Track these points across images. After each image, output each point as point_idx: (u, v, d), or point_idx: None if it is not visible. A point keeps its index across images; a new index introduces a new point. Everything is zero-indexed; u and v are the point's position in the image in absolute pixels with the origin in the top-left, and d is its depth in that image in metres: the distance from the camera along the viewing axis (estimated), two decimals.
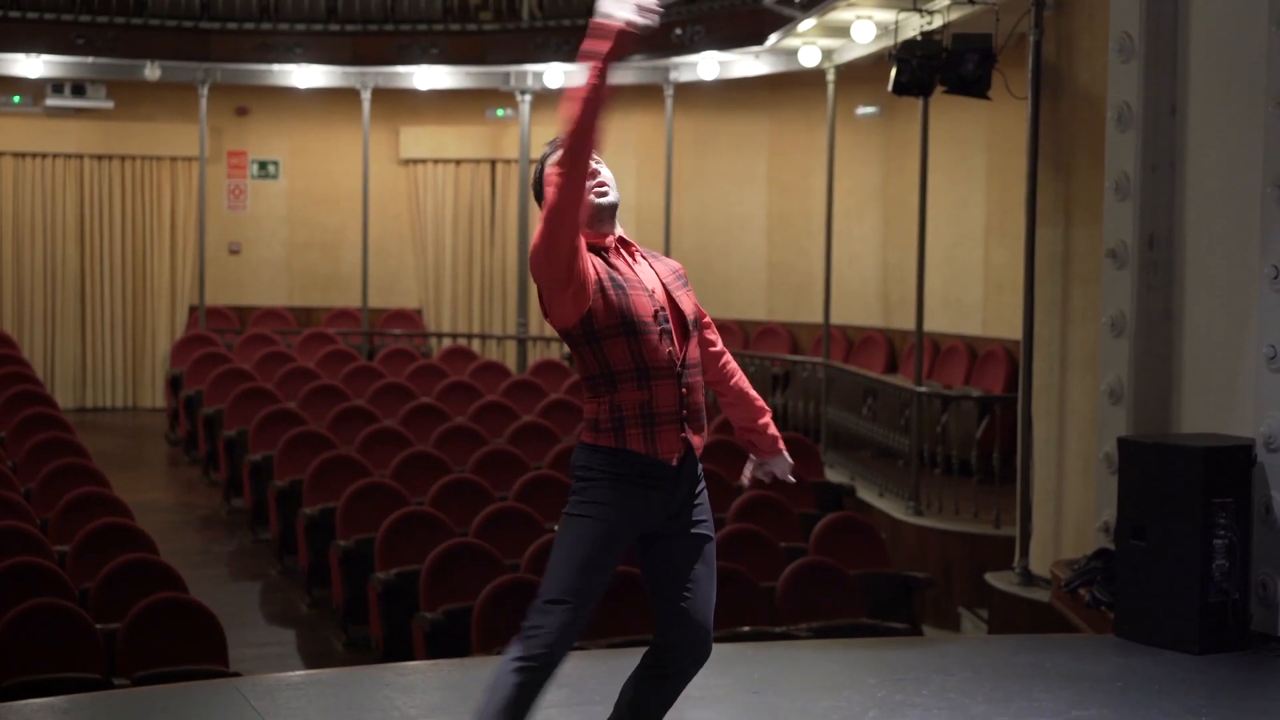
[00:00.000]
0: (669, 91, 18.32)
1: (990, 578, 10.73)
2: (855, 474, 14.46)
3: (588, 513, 4.62)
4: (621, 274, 4.67)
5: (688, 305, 4.77)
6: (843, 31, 15.01)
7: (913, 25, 12.87)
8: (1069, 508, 10.17)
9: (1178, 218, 8.64)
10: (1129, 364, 8.78)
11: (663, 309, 4.67)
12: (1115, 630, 7.91)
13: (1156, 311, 8.71)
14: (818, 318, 17.17)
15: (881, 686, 6.98)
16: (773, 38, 16.15)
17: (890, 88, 12.33)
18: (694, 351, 4.73)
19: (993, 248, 16.23)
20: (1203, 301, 8.44)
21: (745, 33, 16.88)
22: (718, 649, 8.03)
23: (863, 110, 18.11)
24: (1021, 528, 10.57)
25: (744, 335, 19.51)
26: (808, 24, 15.10)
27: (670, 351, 4.64)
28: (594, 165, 4.70)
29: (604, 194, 4.77)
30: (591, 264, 4.61)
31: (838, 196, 16.67)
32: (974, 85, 11.47)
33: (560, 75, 18.56)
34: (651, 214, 19.34)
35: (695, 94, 18.85)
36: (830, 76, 16.46)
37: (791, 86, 18.31)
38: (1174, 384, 8.61)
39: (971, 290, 16.68)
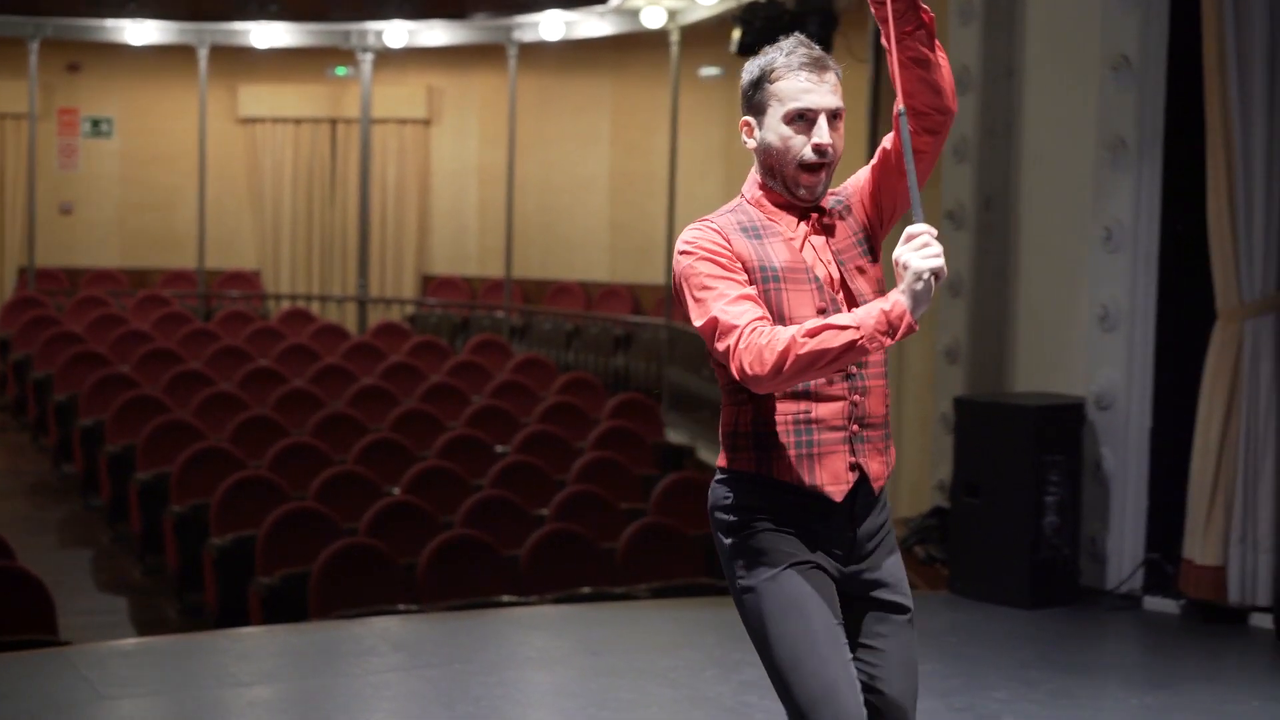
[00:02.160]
0: (512, 51, 18.18)
1: None
2: (696, 435, 14.50)
3: (755, 581, 3.42)
4: (784, 260, 3.45)
5: (864, 283, 3.51)
6: None
7: None
8: (906, 466, 10.27)
9: (1014, 180, 8.73)
10: (965, 324, 8.88)
11: (832, 300, 3.45)
12: (949, 587, 8.01)
13: (992, 272, 8.80)
14: (660, 279, 17.18)
15: (720, 645, 7.00)
16: None
17: (733, 49, 12.33)
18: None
19: None
20: (1037, 263, 8.54)
21: None
22: (557, 610, 8.06)
23: (706, 71, 18.11)
24: None
25: (586, 296, 19.47)
26: None
27: None
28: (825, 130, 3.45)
29: (818, 169, 3.47)
30: (742, 257, 3.44)
31: (681, 157, 16.67)
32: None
33: (403, 33, 18.34)
34: (494, 174, 19.22)
35: (539, 54, 18.73)
36: (674, 37, 16.43)
37: (635, 47, 18.26)
38: (1009, 344, 8.72)
39: None
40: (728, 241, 3.44)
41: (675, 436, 14.22)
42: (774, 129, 3.47)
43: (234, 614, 9.20)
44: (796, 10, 11.57)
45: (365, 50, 18.66)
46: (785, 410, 3.42)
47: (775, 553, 3.40)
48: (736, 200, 3.59)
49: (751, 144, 3.54)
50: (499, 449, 11.55)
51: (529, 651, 7.24)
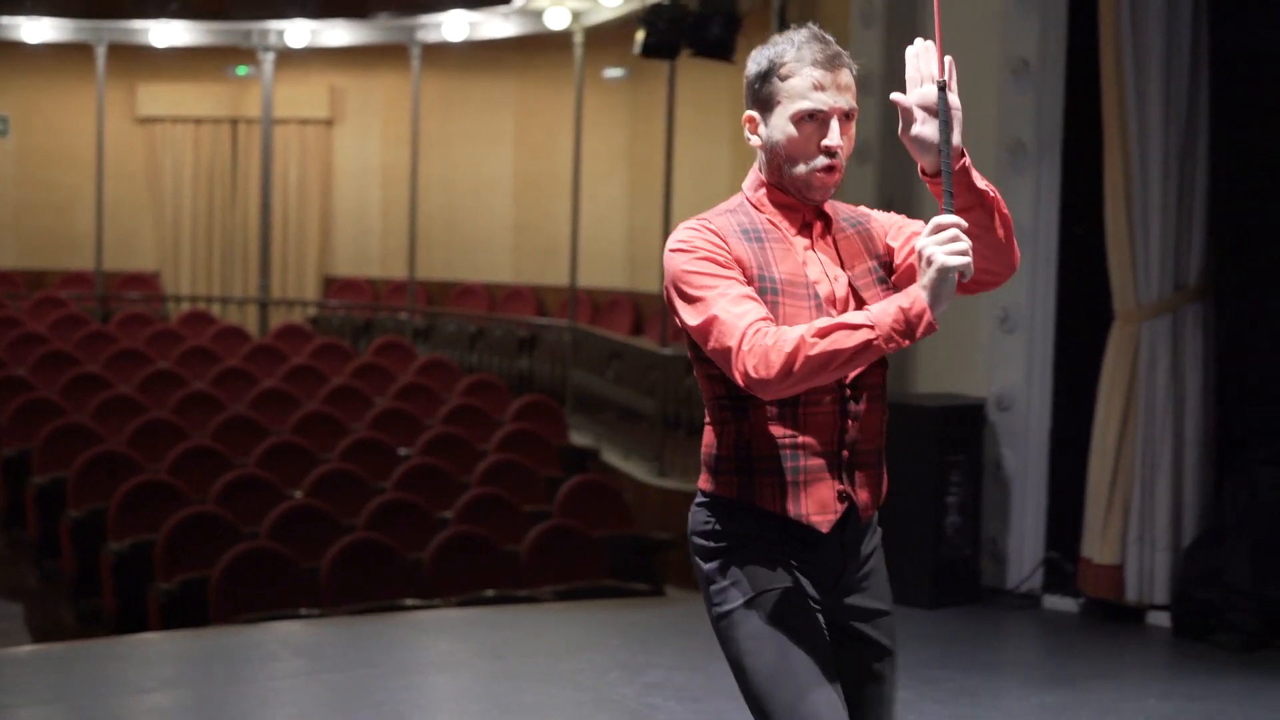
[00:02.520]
0: (415, 51, 18.10)
1: None
2: (600, 437, 14.48)
3: (732, 608, 3.17)
4: (785, 271, 3.18)
5: (872, 301, 3.18)
6: None
7: None
8: None
9: (915, 182, 8.77)
10: None
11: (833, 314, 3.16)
12: None
13: None
14: (564, 280, 17.16)
15: (624, 648, 6.99)
16: None
17: (637, 50, 12.33)
18: (875, 368, 3.23)
19: None
20: None
21: None
22: (461, 613, 8.02)
23: (610, 72, 18.12)
24: None
25: (490, 298, 19.41)
26: None
27: None
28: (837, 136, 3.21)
29: (830, 173, 3.22)
30: (742, 262, 3.18)
31: (585, 159, 16.66)
32: (719, 49, 11.53)
33: (305, 33, 18.20)
34: (397, 175, 19.12)
35: (442, 54, 18.66)
36: (578, 39, 16.42)
37: (539, 48, 18.23)
38: (910, 346, 8.75)
39: None
40: (725, 244, 3.18)
41: (579, 439, 14.19)
42: (781, 128, 3.21)
43: (133, 620, 9.08)
44: (700, 12, 11.59)
45: (266, 49, 18.51)
46: (772, 433, 3.15)
47: (754, 580, 3.16)
48: (737, 199, 3.33)
49: (756, 141, 3.29)
50: (402, 451, 11.49)
51: (432, 655, 7.20)
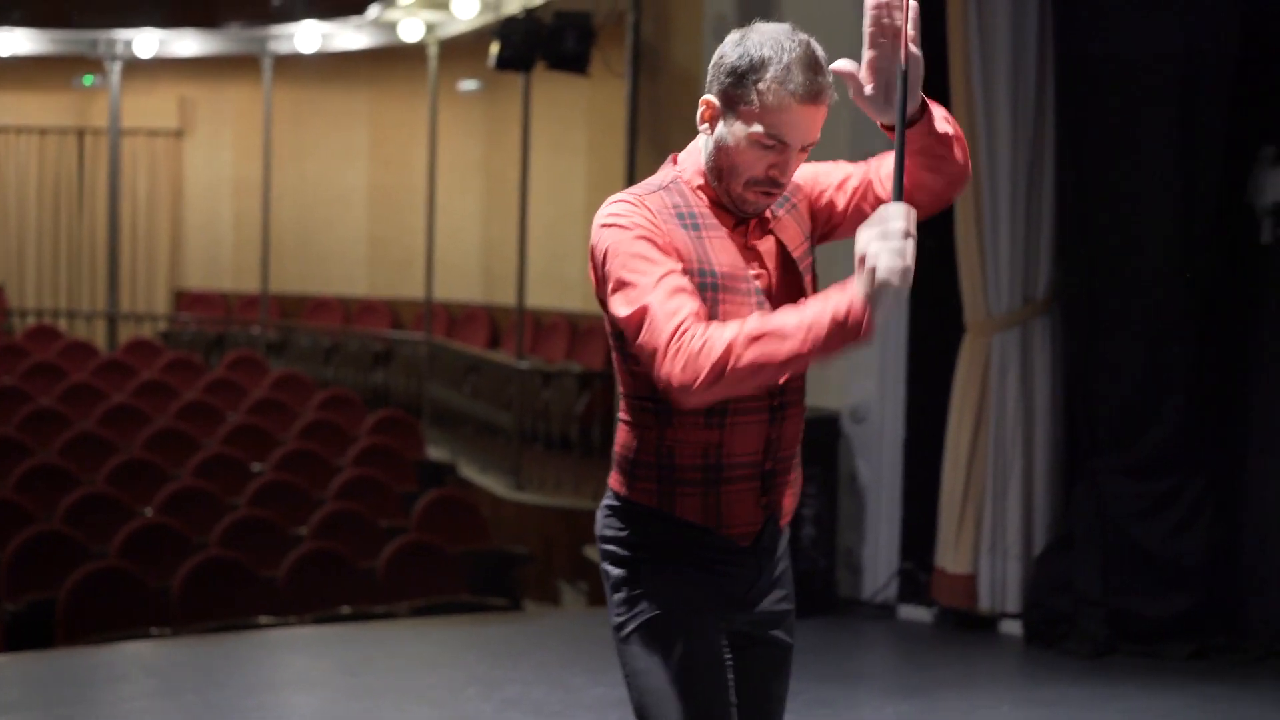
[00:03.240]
0: (267, 62, 17.90)
1: (589, 550, 10.84)
2: (457, 451, 14.42)
3: (633, 620, 3.04)
4: (725, 263, 2.99)
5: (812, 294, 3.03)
6: (445, 6, 14.93)
7: (515, 1, 12.87)
8: None
9: None
10: None
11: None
12: None
13: None
14: (420, 293, 17.06)
15: (481, 663, 6.96)
16: (374, 10, 15.95)
17: (492, 63, 12.31)
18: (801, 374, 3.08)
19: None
20: None
21: (346, 4, 16.63)
22: (317, 631, 7.93)
23: (465, 85, 18.04)
24: None
25: (345, 312, 19.25)
26: None
27: None
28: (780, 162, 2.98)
29: (769, 196, 3.02)
30: (679, 250, 2.94)
31: (440, 171, 16.59)
32: (574, 62, 11.55)
33: (153, 42, 17.93)
34: (249, 187, 18.89)
35: (295, 65, 18.47)
36: (432, 51, 16.35)
37: (393, 60, 18.12)
38: None
39: (573, 266, 16.81)
40: (659, 227, 2.93)
41: (436, 453, 14.12)
42: (738, 135, 2.95)
43: None
44: (555, 25, 11.59)
45: (114, 59, 18.19)
46: (695, 440, 2.98)
47: (660, 597, 3.02)
48: (668, 175, 3.07)
49: (705, 129, 3.02)
50: (256, 467, 11.35)
51: (288, 674, 7.12)
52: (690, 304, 2.83)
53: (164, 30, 17.99)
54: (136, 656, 7.23)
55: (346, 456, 11.85)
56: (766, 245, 3.06)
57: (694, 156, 3.08)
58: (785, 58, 2.94)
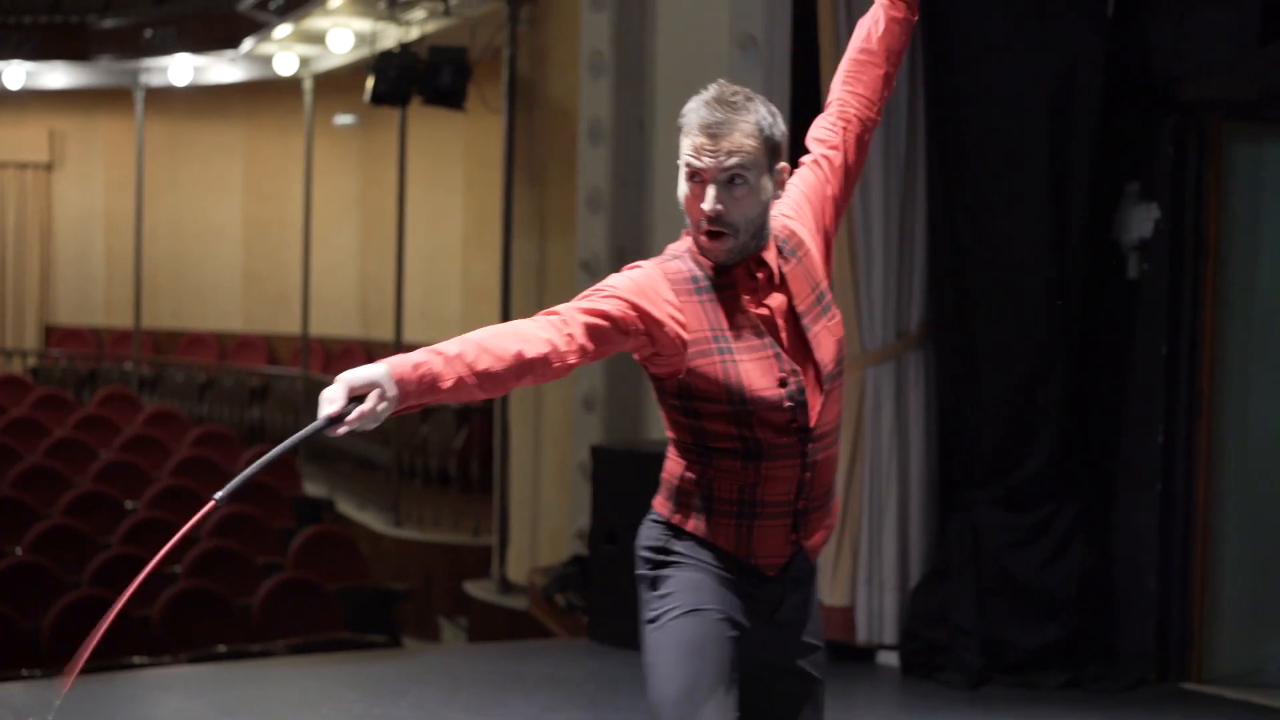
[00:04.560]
0: (139, 95, 17.71)
1: (469, 586, 10.80)
2: (335, 487, 14.32)
3: (661, 616, 3.26)
4: (733, 327, 3.19)
5: (827, 345, 3.26)
6: (320, 39, 14.87)
7: (390, 36, 12.86)
8: (546, 515, 10.33)
9: (647, 230, 8.89)
10: (602, 372, 8.99)
11: (793, 372, 3.21)
12: (590, 634, 8.06)
13: None
14: (296, 328, 16.95)
15: (360, 701, 6.91)
16: (248, 43, 15.84)
17: (368, 97, 12.27)
18: (831, 411, 3.28)
19: (470, 258, 16.38)
20: None
21: (220, 37, 16.51)
22: (192, 670, 7.83)
23: (341, 119, 17.97)
24: (499, 536, 10.68)
25: (220, 347, 19.06)
26: (284, 31, 14.89)
27: (797, 424, 3.23)
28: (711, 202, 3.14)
29: (717, 237, 3.18)
30: (680, 320, 3.15)
31: (316, 205, 16.50)
32: (450, 97, 11.55)
33: (21, 74, 17.67)
34: (121, 221, 18.67)
35: (168, 98, 18.29)
36: (307, 85, 16.28)
37: (268, 94, 18.01)
38: (644, 392, 8.85)
39: (450, 301, 16.77)
40: (649, 294, 3.14)
41: (314, 489, 14.00)
42: (680, 183, 3.21)
43: None
44: (431, 60, 11.58)
45: None
46: (734, 481, 3.23)
47: (686, 599, 3.24)
48: (681, 245, 3.26)
49: None
50: (129, 505, 11.19)
51: (161, 714, 7.02)
52: (577, 311, 3.09)
53: (33, 62, 17.75)
54: (7, 698, 7.09)
55: None
56: (777, 302, 3.25)
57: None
58: (698, 101, 3.21)
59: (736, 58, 8.07)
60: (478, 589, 10.66)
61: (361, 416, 2.89)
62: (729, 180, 3.14)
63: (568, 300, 3.17)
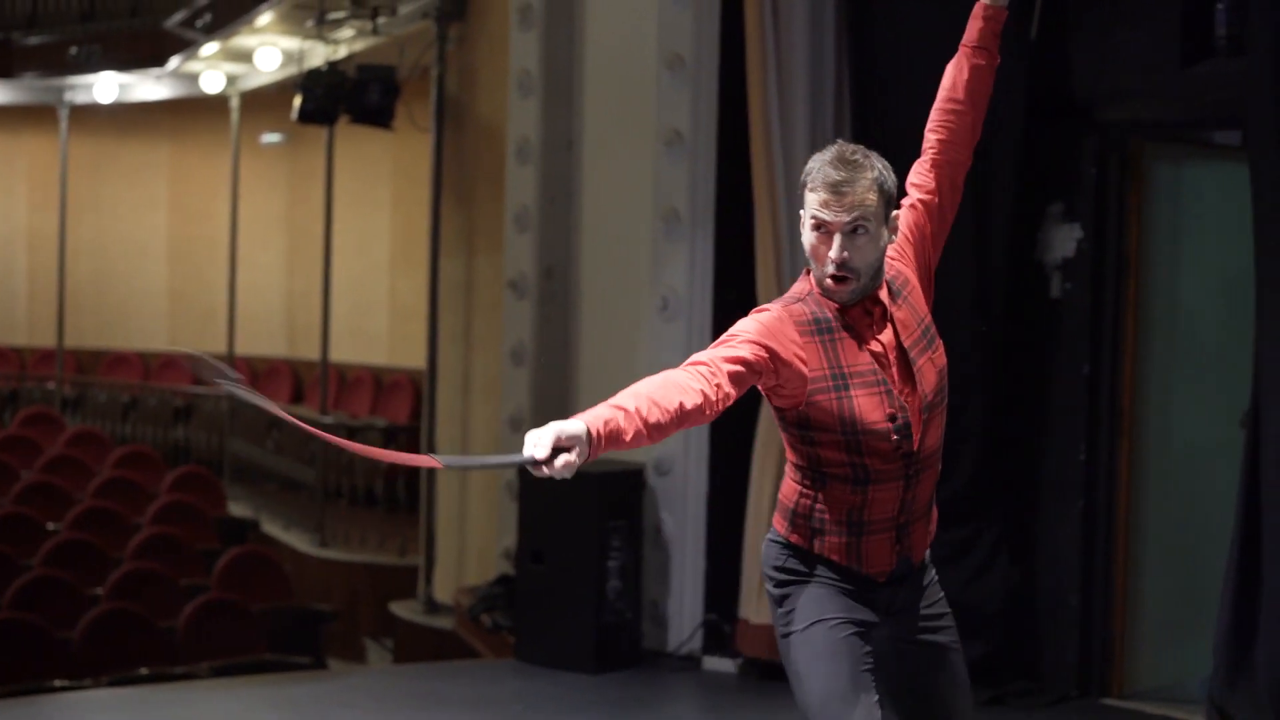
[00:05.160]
0: (64, 113, 17.55)
1: (395, 607, 10.74)
2: (260, 507, 14.22)
3: (793, 631, 3.72)
4: (849, 364, 3.61)
5: (930, 377, 3.68)
6: (247, 58, 14.79)
7: (318, 54, 12.81)
8: (472, 535, 10.30)
9: (574, 250, 8.89)
10: (529, 392, 8.98)
11: (901, 408, 3.62)
12: (516, 654, 8.04)
13: (554, 341, 8.93)
14: (222, 347, 16.82)
15: None
16: (174, 61, 15.74)
17: (295, 116, 12.22)
18: (934, 436, 3.70)
19: (398, 277, 16.32)
20: (597, 331, 8.71)
21: (146, 55, 16.40)
22: (113, 694, 7.75)
23: (268, 137, 17.88)
24: (426, 556, 10.63)
25: (144, 366, 18.91)
26: (211, 49, 14.80)
27: (903, 451, 3.64)
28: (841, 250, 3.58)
29: (842, 281, 3.61)
30: (803, 358, 3.58)
31: (242, 224, 16.41)
32: (378, 115, 11.51)
33: None
34: (44, 239, 18.49)
35: (92, 116, 18.15)
36: (234, 103, 16.19)
37: (194, 111, 17.90)
38: (571, 412, 8.78)
39: (377, 319, 16.71)
40: (785, 335, 3.56)
41: (238, 510, 13.91)
42: (805, 232, 3.63)
43: None
44: (359, 79, 11.55)
45: None
46: (842, 503, 3.66)
47: (812, 610, 3.68)
48: (804, 286, 3.69)
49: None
50: (50, 526, 11.08)
51: None
52: (706, 358, 3.48)
53: None
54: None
55: (145, 514, 11.62)
56: (887, 337, 3.65)
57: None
58: (820, 160, 3.60)
59: (665, 77, 8.10)
60: (404, 609, 10.60)
61: (566, 466, 3.21)
62: (852, 230, 3.55)
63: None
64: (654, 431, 3.36)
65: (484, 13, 10.27)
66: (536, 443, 3.20)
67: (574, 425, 3.23)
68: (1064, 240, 7.27)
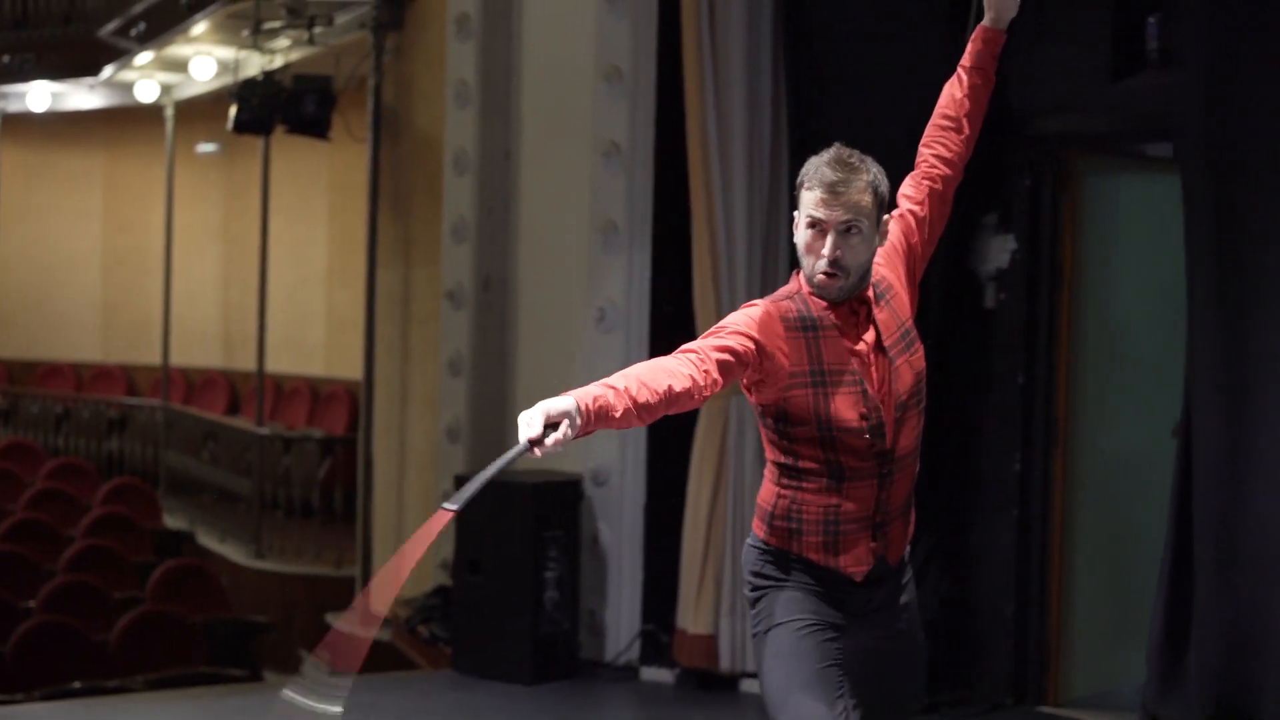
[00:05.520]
0: None
1: (331, 619, 10.68)
2: (196, 519, 14.13)
3: (762, 630, 3.84)
4: (830, 363, 3.73)
5: (906, 377, 3.81)
6: (182, 67, 14.70)
7: (254, 64, 12.74)
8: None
9: (512, 260, 8.89)
10: (466, 403, 8.97)
11: (876, 408, 3.74)
12: (453, 665, 8.03)
13: (492, 351, 8.92)
14: (156, 359, 16.69)
15: None
16: (108, 70, 15.62)
17: (231, 126, 12.15)
18: (908, 436, 3.83)
19: (335, 288, 16.25)
20: (535, 342, 8.71)
21: (79, 63, 16.24)
22: (45, 708, 7.67)
23: (203, 147, 17.78)
24: (362, 567, 10.59)
25: (77, 378, 18.74)
26: (145, 58, 14.70)
27: (878, 449, 3.76)
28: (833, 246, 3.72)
29: (832, 276, 3.73)
30: (785, 352, 3.70)
31: (177, 234, 16.30)
32: (314, 126, 11.47)
33: None
34: None
35: (25, 125, 17.98)
36: (169, 112, 16.09)
37: (129, 121, 17.76)
38: (509, 422, 8.83)
39: (314, 330, 16.63)
40: (771, 329, 3.68)
41: (173, 521, 13.82)
42: (799, 232, 3.76)
43: None
44: (295, 89, 11.50)
45: None
46: (818, 503, 3.77)
47: (784, 611, 3.78)
48: (794, 285, 3.81)
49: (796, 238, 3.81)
50: None
51: None
52: (697, 347, 3.60)
53: None
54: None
55: (79, 526, 11.53)
56: (870, 337, 3.78)
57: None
58: (824, 158, 3.74)
59: (602, 89, 8.12)
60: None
61: (557, 443, 3.29)
62: (845, 229, 3.69)
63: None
64: (643, 411, 3.45)
65: (421, 23, 10.25)
66: (528, 422, 3.29)
67: (563, 401, 3.30)
68: (998, 251, 7.31)
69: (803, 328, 3.73)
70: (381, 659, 9.42)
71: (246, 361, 16.08)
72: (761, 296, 7.55)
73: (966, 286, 7.38)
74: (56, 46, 16.40)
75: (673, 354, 3.59)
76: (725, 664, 7.63)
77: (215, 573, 11.18)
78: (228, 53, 13.35)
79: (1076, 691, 7.33)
